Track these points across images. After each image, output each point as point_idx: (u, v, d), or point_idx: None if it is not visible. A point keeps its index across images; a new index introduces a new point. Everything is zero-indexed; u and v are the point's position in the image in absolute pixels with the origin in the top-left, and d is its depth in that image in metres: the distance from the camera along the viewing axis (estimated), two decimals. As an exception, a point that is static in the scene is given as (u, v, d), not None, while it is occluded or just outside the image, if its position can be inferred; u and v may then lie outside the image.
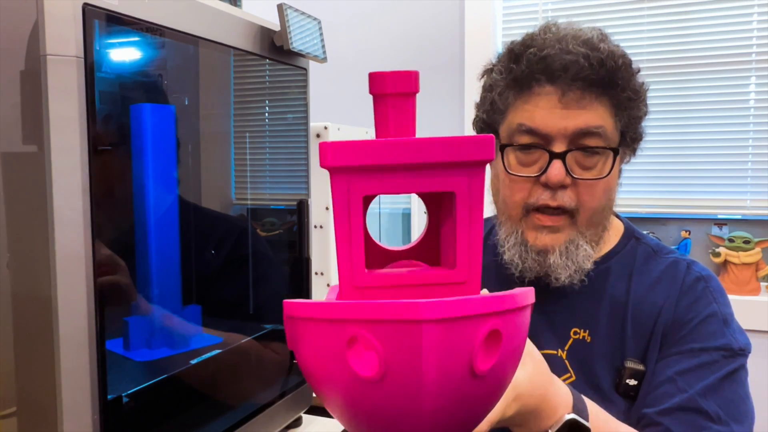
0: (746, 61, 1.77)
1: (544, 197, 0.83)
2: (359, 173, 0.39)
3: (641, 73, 0.90)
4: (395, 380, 0.36)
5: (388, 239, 1.68)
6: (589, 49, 0.81)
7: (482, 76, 0.93)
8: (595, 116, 0.82)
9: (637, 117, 0.87)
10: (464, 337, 0.36)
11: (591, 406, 0.72)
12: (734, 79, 1.79)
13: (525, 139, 0.84)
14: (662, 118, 1.84)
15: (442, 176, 0.39)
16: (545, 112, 0.82)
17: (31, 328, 0.62)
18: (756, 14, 1.76)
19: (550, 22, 0.88)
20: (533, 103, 0.83)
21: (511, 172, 0.85)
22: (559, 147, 0.82)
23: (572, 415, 0.67)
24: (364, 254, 0.41)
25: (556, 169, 0.81)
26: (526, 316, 0.42)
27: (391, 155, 0.39)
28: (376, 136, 0.42)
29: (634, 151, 0.91)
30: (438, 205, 0.46)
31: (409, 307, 0.35)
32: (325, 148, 0.39)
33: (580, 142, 0.82)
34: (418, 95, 0.43)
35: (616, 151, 0.84)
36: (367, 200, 0.41)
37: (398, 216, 1.76)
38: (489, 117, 0.90)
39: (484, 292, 0.54)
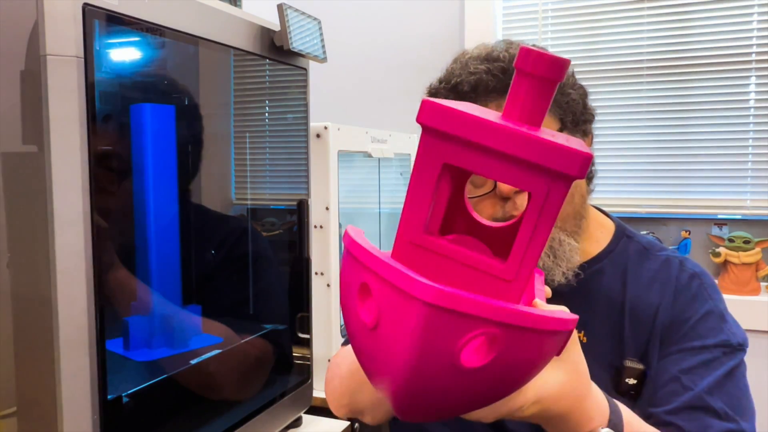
0: (746, 61, 1.77)
1: (508, 208, 0.84)
2: (447, 140, 0.39)
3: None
4: (384, 336, 0.38)
5: (388, 241, 1.68)
6: (489, 63, 0.84)
7: None
8: None
9: (567, 102, 0.87)
10: (452, 331, 0.36)
11: (626, 415, 0.73)
12: (734, 79, 1.79)
13: None
14: (662, 118, 1.84)
15: (525, 174, 0.38)
16: None
17: (31, 328, 0.62)
18: (756, 14, 1.76)
19: (461, 53, 0.91)
20: None
21: (469, 197, 0.86)
22: None
23: (607, 430, 0.67)
24: (426, 216, 0.41)
25: None
26: (545, 340, 0.40)
27: (483, 135, 0.38)
28: (504, 112, 0.41)
29: (585, 133, 0.91)
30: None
31: (408, 280, 0.36)
32: (424, 106, 0.39)
33: None
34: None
35: None
36: (454, 170, 0.41)
37: (398, 215, 1.76)
38: None
39: (539, 302, 0.53)
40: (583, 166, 0.37)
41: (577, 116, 0.89)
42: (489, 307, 0.36)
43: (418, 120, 0.39)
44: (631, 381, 0.85)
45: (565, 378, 0.62)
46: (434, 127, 0.38)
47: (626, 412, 0.73)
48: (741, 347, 0.85)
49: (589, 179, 0.94)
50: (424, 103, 0.39)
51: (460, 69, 0.87)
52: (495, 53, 0.86)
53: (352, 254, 0.41)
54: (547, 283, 0.87)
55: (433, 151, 0.39)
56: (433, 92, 0.90)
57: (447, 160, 0.39)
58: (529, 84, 0.39)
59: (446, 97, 0.88)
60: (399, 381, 0.38)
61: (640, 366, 0.85)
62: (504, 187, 0.83)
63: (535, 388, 0.58)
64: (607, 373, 0.87)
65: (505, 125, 0.38)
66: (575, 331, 0.55)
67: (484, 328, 0.36)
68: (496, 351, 0.37)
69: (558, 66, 0.39)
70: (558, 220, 0.85)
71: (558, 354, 0.44)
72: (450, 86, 0.86)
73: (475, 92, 0.84)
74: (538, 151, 0.37)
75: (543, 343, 0.40)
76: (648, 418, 0.82)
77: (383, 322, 0.38)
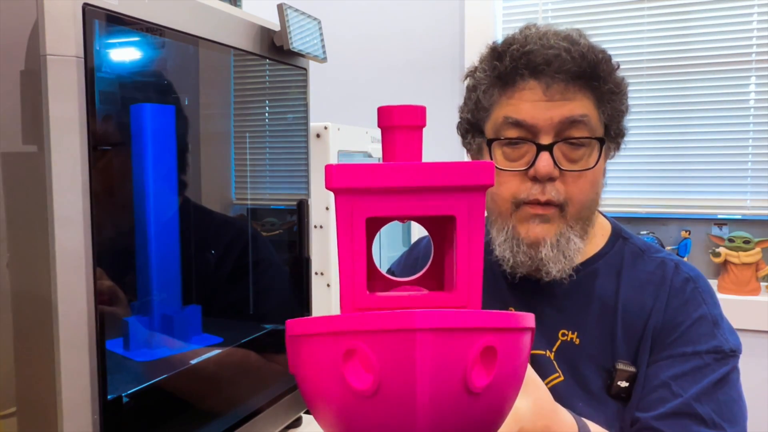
0: (746, 61, 1.77)
1: (534, 191, 0.83)
2: (362, 195, 0.40)
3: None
4: (389, 393, 0.37)
5: (388, 246, 1.68)
6: (570, 43, 0.83)
7: (466, 78, 0.94)
8: (580, 106, 0.83)
9: (619, 111, 0.88)
10: (458, 350, 0.36)
11: (594, 429, 0.73)
12: (734, 79, 1.79)
13: (512, 133, 0.84)
14: (662, 118, 1.84)
15: (443, 200, 0.40)
16: (530, 104, 0.83)
17: (31, 328, 0.62)
18: (756, 14, 1.76)
19: (530, 24, 0.89)
20: (518, 97, 0.84)
21: (499, 167, 0.85)
22: (545, 139, 0.83)
23: None
24: (366, 275, 0.41)
25: (545, 161, 0.82)
26: (526, 340, 0.42)
27: (393, 178, 0.40)
28: (384, 160, 0.43)
29: (618, 147, 0.92)
30: (442, 233, 0.46)
31: (404, 317, 0.35)
32: (331, 170, 0.40)
33: (566, 133, 0.83)
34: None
35: (602, 141, 0.85)
36: (372, 224, 0.42)
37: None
38: (474, 116, 0.90)
39: None
40: (492, 173, 0.40)
41: (619, 129, 0.90)
42: (485, 316, 0.37)
43: (328, 186, 0.40)
44: (623, 384, 0.84)
45: (532, 399, 0.64)
46: (348, 187, 0.40)
47: (594, 427, 0.73)
48: (734, 353, 0.84)
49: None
50: (328, 168, 0.40)
51: (537, 39, 0.83)
52: (573, 36, 0.84)
53: (318, 332, 0.40)
54: (541, 276, 0.87)
55: (354, 210, 0.40)
56: (498, 55, 0.85)
57: (369, 214, 0.40)
58: (400, 134, 0.42)
59: (500, 61, 0.83)
60: (421, 420, 0.36)
61: (632, 368, 0.85)
62: (542, 169, 0.82)
63: (514, 418, 0.60)
64: (600, 375, 0.86)
65: (413, 163, 0.40)
66: None
67: (486, 338, 0.37)
68: (496, 364, 0.38)
69: (419, 113, 0.42)
70: (571, 219, 0.85)
71: (528, 356, 0.45)
72: (521, 52, 0.82)
73: (548, 66, 0.81)
74: (452, 174, 0.40)
75: (525, 343, 0.42)
76: (634, 422, 0.82)
77: (387, 376, 0.36)
